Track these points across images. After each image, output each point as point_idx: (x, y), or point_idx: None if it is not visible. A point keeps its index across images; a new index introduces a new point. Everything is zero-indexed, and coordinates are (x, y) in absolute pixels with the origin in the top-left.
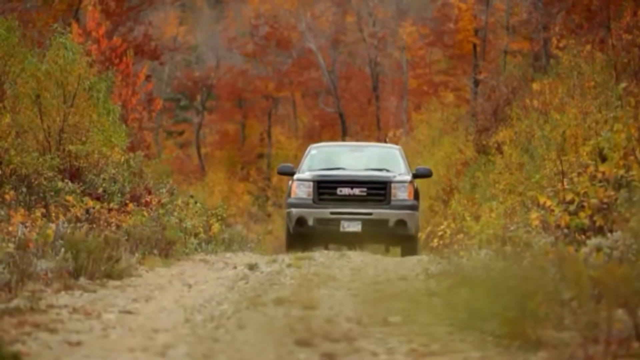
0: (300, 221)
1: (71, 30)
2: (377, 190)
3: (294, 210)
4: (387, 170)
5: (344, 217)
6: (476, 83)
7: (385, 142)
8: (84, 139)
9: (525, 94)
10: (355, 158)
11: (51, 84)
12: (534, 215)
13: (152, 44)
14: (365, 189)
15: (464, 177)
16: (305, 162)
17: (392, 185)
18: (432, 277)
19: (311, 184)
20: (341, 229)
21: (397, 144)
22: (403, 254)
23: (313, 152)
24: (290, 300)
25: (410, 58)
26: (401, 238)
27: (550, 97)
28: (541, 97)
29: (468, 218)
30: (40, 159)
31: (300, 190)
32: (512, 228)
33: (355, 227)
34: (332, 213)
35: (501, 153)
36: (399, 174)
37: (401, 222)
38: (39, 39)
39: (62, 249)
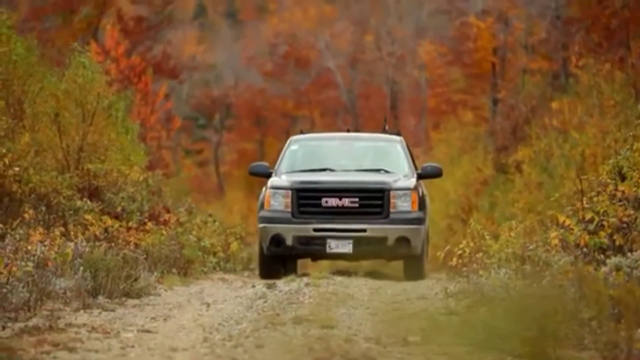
0: (276, 240)
1: (90, 49)
2: (373, 200)
3: (268, 226)
4: (386, 171)
5: (331, 234)
6: (495, 102)
7: (385, 130)
8: (102, 157)
9: (544, 112)
10: (345, 155)
11: (70, 102)
12: (553, 234)
13: (170, 63)
14: (357, 199)
15: (483, 196)
16: (284, 161)
17: (392, 193)
18: (451, 296)
19: (289, 192)
20: (328, 250)
21: (399, 133)
22: (407, 277)
23: (293, 147)
24: (309, 319)
25: (429, 77)
26: (404, 259)
27: (569, 116)
28: (560, 116)
29: (487, 237)
30: (59, 178)
31: (276, 200)
32: (531, 247)
33: (345, 247)
34: (315, 230)
35: (520, 172)
36: (401, 177)
37: (403, 240)
38: (58, 58)
39: (81, 268)
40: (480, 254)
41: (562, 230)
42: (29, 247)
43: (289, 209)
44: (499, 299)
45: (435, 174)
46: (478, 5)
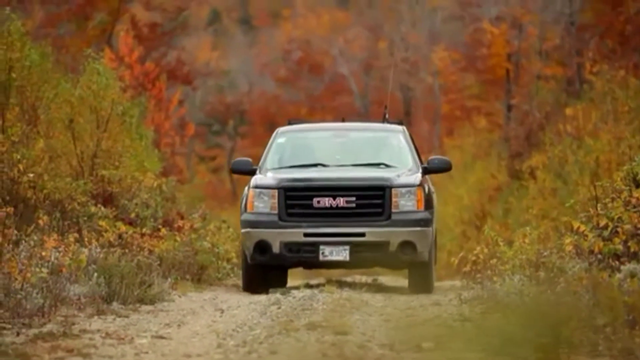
0: (261, 247)
1: (104, 56)
2: (372, 199)
3: (251, 231)
4: (387, 166)
5: (325, 240)
6: (509, 108)
7: (385, 119)
8: (116, 163)
9: (558, 119)
10: (340, 148)
11: (84, 109)
12: (567, 240)
13: (184, 69)
14: (354, 198)
15: (497, 203)
16: (269, 156)
17: (393, 191)
18: (465, 302)
19: (276, 192)
20: (321, 258)
21: (401, 122)
22: (411, 288)
23: (280, 139)
24: (323, 325)
25: (443, 83)
26: (409, 266)
27: (583, 122)
28: (574, 122)
29: (501, 243)
30: (74, 184)
31: (261, 201)
32: (545, 253)
33: (340, 254)
34: (306, 235)
35: (534, 178)
36: (405, 172)
37: (408, 245)
38: (72, 64)
39: (95, 274)
40: (495, 261)
41: (576, 237)
42: (44, 253)
43: (276, 212)
44: (513, 305)
45: (443, 168)
46: (492, 11)
